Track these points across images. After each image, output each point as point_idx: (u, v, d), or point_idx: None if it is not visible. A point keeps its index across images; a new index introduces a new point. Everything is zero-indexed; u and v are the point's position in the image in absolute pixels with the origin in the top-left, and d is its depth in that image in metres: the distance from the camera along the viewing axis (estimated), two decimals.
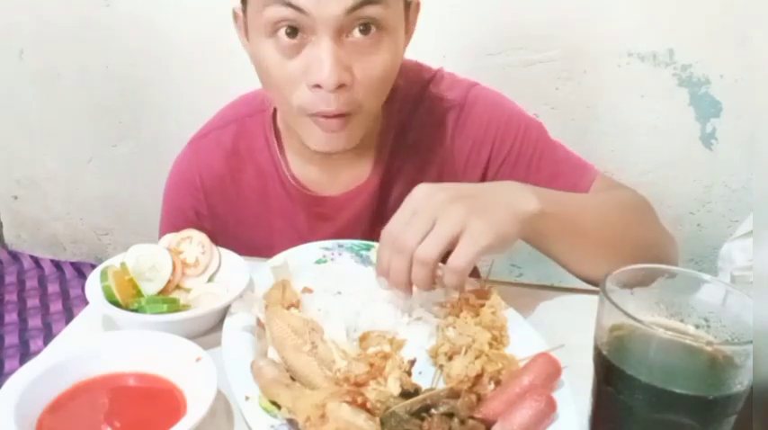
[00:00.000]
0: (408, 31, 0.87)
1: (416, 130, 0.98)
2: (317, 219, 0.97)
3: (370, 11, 0.75)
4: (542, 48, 1.69)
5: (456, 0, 1.69)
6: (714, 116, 1.66)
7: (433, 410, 0.59)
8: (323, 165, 0.97)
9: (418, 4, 0.87)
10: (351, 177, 0.98)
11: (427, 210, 0.69)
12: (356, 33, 0.77)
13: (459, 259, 0.68)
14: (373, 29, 0.77)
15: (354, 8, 0.74)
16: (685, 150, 1.71)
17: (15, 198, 2.45)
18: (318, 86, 0.77)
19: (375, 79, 0.80)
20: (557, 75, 1.70)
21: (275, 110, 0.98)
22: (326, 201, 0.98)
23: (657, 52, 1.63)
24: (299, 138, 0.87)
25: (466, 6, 1.70)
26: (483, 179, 0.98)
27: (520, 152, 0.96)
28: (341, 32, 0.76)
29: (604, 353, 0.51)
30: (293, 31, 0.76)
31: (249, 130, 1.00)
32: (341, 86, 0.77)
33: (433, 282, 0.70)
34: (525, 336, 0.71)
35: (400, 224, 0.70)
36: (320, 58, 0.75)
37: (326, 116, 0.80)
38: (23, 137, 2.32)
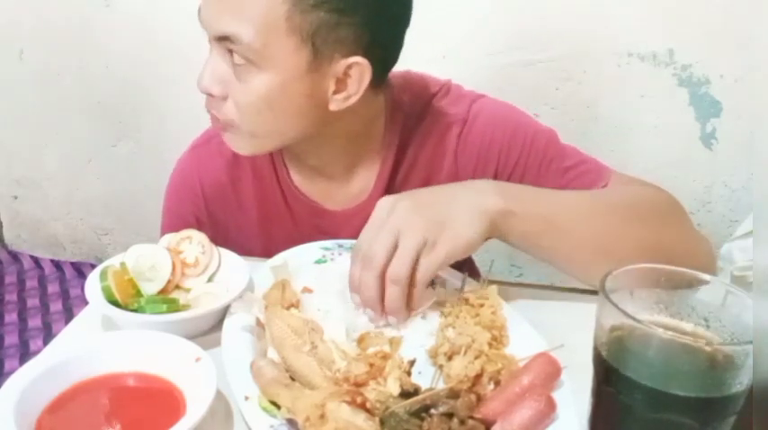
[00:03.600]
0: (343, 89, 0.82)
1: (419, 147, 0.96)
2: (317, 232, 0.96)
3: (231, 46, 0.78)
4: (542, 48, 1.69)
5: (456, 0, 1.69)
6: (714, 116, 1.66)
7: (432, 410, 0.59)
8: (323, 179, 0.97)
9: (360, 66, 0.81)
10: (353, 192, 0.97)
11: (390, 222, 0.72)
12: (234, 54, 0.79)
13: (419, 273, 0.71)
14: (237, 57, 0.79)
15: (220, 39, 0.79)
16: (685, 150, 1.71)
17: (15, 198, 2.45)
18: None
19: (242, 105, 0.81)
20: (557, 75, 1.70)
21: None
22: (327, 214, 0.98)
23: (657, 52, 1.63)
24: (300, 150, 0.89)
25: (466, 6, 1.70)
26: None
27: (527, 164, 0.94)
28: (223, 49, 0.80)
29: (604, 353, 0.51)
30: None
31: None
32: (209, 94, 0.83)
33: (405, 300, 0.72)
34: (525, 336, 0.71)
35: (367, 239, 0.73)
36: (205, 64, 0.82)
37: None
38: (23, 137, 2.32)
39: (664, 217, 0.87)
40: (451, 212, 0.73)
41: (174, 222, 1.00)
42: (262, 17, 0.76)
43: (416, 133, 0.96)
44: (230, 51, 0.79)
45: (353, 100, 0.83)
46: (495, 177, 0.95)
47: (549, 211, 0.78)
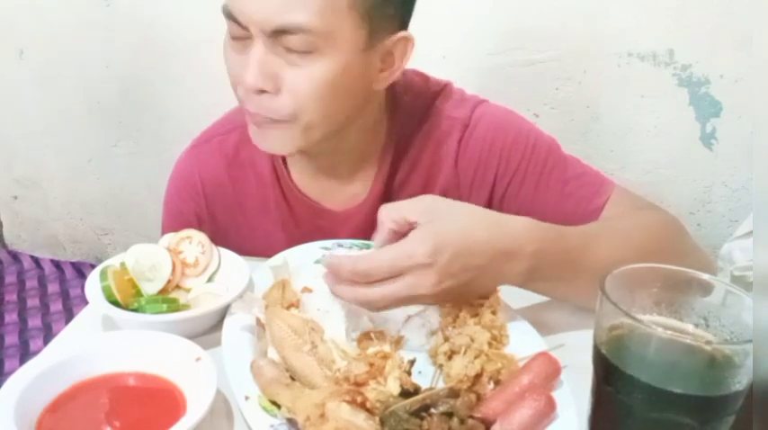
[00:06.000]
0: (389, 66, 0.84)
1: (419, 149, 0.96)
2: (317, 231, 0.95)
3: (293, 38, 0.76)
4: (542, 48, 1.69)
5: (456, 0, 1.69)
6: (714, 116, 1.66)
7: (432, 410, 0.59)
8: (325, 178, 0.96)
9: (407, 41, 0.84)
10: (353, 192, 0.97)
11: (408, 291, 0.66)
12: (281, 50, 0.77)
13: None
14: (298, 45, 0.77)
15: (277, 33, 0.76)
16: (685, 150, 1.71)
17: (15, 198, 2.45)
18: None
19: (305, 92, 0.79)
20: (557, 75, 1.70)
21: None
22: (327, 214, 0.98)
23: (657, 52, 1.63)
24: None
25: (466, 6, 1.70)
26: (490, 200, 0.95)
27: (527, 172, 0.93)
28: (272, 44, 0.77)
29: (604, 352, 0.51)
30: (240, 36, 0.79)
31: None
32: (262, 92, 0.79)
33: None
34: (525, 336, 0.71)
35: (381, 293, 0.66)
36: (249, 60, 0.78)
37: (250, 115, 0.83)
38: (23, 137, 2.32)
39: (673, 244, 0.86)
40: (472, 289, 0.70)
41: (175, 221, 1.00)
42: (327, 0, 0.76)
43: (417, 135, 0.96)
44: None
45: (395, 77, 0.85)
46: (494, 184, 0.95)
47: (570, 269, 0.74)
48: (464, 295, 0.71)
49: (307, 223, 0.98)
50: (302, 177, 0.98)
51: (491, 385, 0.65)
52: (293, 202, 0.98)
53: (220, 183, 1.00)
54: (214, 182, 1.00)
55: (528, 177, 0.94)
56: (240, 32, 0.78)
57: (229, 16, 0.78)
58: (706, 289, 0.52)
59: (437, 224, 0.67)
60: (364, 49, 0.80)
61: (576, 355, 0.60)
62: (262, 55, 0.77)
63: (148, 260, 0.80)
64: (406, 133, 0.95)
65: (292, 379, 0.64)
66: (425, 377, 0.67)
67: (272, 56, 0.78)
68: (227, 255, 0.85)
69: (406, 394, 0.60)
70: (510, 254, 0.69)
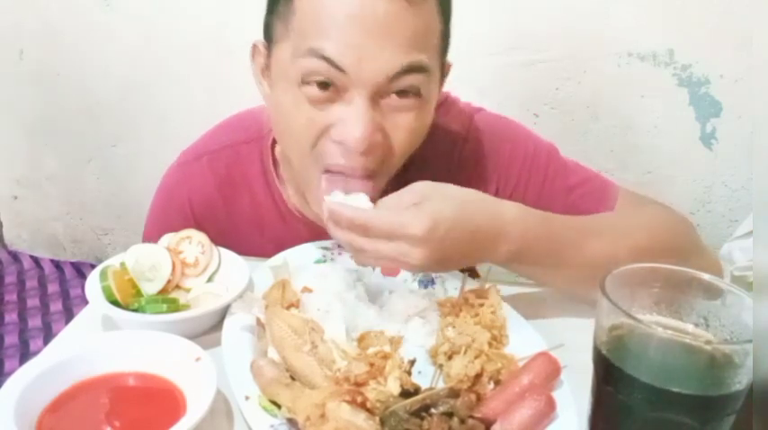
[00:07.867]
0: (439, 90, 0.84)
1: (418, 164, 0.92)
2: None
3: (412, 79, 0.73)
4: (542, 48, 1.69)
5: (457, 0, 1.69)
6: (714, 116, 1.66)
7: (432, 410, 0.59)
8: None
9: (450, 66, 0.85)
10: None
11: (403, 257, 0.68)
12: (393, 97, 0.74)
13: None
14: (411, 95, 0.75)
15: (398, 75, 0.72)
16: (685, 150, 1.71)
17: (15, 198, 2.45)
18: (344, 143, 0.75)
19: (403, 140, 0.78)
20: (557, 75, 1.70)
21: (274, 138, 0.94)
22: (323, 233, 0.95)
23: (657, 52, 1.63)
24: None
25: (466, 6, 1.69)
26: None
27: (528, 182, 0.92)
28: (377, 94, 0.74)
29: (604, 352, 0.51)
30: (325, 84, 0.74)
31: (244, 158, 0.96)
32: (371, 145, 0.75)
33: None
34: (525, 336, 0.71)
35: (377, 248, 0.69)
36: (354, 118, 0.73)
37: (345, 175, 0.78)
38: (23, 137, 2.32)
39: (676, 242, 0.85)
40: (456, 263, 0.73)
41: (160, 234, 0.96)
42: (432, 35, 0.76)
43: (415, 152, 0.94)
44: (402, 93, 0.74)
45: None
46: (496, 195, 0.94)
47: (561, 253, 0.76)
48: (448, 267, 0.75)
49: (302, 242, 0.94)
50: (299, 197, 0.95)
51: (491, 385, 0.65)
52: (289, 222, 0.96)
53: (211, 203, 0.97)
54: (204, 201, 0.97)
55: (530, 187, 0.93)
56: (335, 79, 0.73)
57: (329, 62, 0.72)
58: (707, 289, 0.52)
59: (435, 202, 0.69)
60: (440, 80, 0.81)
61: (575, 355, 0.60)
62: (365, 109, 0.73)
63: (148, 260, 0.80)
64: None
65: (292, 379, 0.64)
66: (425, 377, 0.67)
67: (374, 112, 0.74)
68: (227, 255, 0.85)
69: (406, 394, 0.60)
70: (497, 235, 0.72)
